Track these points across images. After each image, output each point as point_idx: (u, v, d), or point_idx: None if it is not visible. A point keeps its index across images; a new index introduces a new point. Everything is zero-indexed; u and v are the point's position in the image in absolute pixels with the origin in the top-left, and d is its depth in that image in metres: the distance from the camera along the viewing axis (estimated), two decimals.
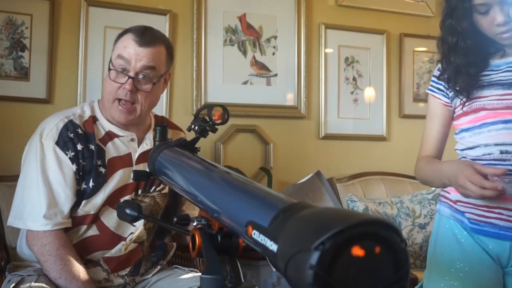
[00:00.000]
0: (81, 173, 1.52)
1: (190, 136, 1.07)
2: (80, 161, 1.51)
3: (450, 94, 1.48)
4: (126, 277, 1.62)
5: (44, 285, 1.43)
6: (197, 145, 1.04)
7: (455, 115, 1.50)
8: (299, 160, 2.73)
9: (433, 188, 2.54)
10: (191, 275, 1.62)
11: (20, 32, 2.26)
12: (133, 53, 1.49)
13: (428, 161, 1.53)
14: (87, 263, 1.54)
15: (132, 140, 1.61)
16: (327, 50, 2.85)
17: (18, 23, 2.25)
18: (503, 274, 1.41)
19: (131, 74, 1.50)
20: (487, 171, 1.27)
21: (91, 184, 1.52)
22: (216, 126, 1.04)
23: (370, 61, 2.95)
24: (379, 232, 0.48)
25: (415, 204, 2.58)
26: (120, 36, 1.56)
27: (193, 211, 1.70)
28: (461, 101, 1.44)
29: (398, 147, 2.94)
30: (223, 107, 1.03)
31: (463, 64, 1.41)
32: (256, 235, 0.58)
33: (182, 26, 2.56)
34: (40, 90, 2.28)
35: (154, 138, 1.11)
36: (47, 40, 2.29)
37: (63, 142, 1.51)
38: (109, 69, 1.53)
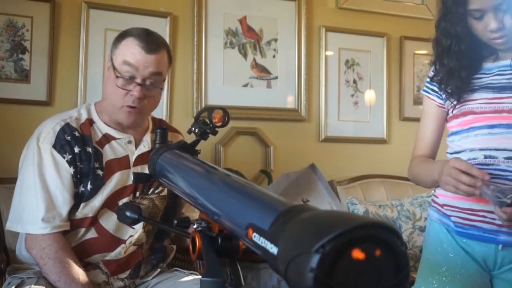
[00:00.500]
0: (78, 176, 1.51)
1: (190, 138, 1.07)
2: (78, 163, 1.51)
3: (444, 96, 1.48)
4: (125, 280, 1.62)
5: (43, 287, 1.43)
6: (197, 148, 1.05)
7: (448, 117, 1.50)
8: (300, 163, 2.72)
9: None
10: (191, 278, 1.62)
11: (20, 35, 2.26)
12: (141, 60, 1.49)
13: (422, 160, 1.53)
14: (87, 266, 1.54)
15: (129, 142, 1.61)
16: (328, 53, 2.85)
17: (18, 26, 2.25)
18: (490, 277, 1.41)
19: (139, 80, 1.50)
20: (474, 172, 1.26)
21: (89, 186, 1.52)
22: (217, 129, 1.04)
23: (370, 64, 2.94)
24: (380, 235, 0.48)
25: (415, 207, 2.58)
26: (120, 39, 1.55)
27: (193, 214, 1.69)
28: (452, 104, 1.45)
29: (398, 150, 2.93)
30: (224, 109, 1.03)
31: (456, 68, 1.41)
32: (256, 237, 0.58)
33: (182, 29, 2.56)
34: (40, 92, 2.28)
35: (155, 140, 1.11)
36: (47, 42, 2.29)
37: (60, 145, 1.51)
38: (116, 77, 1.50)
